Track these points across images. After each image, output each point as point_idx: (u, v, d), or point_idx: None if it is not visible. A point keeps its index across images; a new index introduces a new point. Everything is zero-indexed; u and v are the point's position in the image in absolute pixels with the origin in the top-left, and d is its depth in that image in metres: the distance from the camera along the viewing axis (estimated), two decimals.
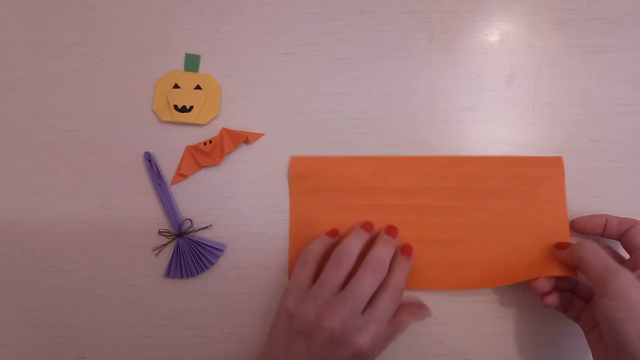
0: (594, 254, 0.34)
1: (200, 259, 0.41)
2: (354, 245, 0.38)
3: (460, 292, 0.41)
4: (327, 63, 0.43)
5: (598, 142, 0.42)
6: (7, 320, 0.43)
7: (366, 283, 0.36)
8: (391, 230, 0.40)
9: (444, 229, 0.41)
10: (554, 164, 0.41)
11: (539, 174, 0.41)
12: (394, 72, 0.43)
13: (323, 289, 0.36)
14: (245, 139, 0.42)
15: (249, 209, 0.42)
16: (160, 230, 0.42)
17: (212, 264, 0.42)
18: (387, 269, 0.37)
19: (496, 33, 0.43)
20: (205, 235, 0.42)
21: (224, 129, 0.42)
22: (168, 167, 0.43)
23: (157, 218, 0.43)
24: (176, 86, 0.43)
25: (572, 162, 0.41)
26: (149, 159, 0.42)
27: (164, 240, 0.42)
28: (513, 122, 0.42)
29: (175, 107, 0.43)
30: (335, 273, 0.36)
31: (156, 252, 0.43)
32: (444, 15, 0.43)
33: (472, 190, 0.41)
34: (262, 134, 0.43)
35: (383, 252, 0.37)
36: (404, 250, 0.40)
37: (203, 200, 0.43)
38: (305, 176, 0.42)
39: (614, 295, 0.31)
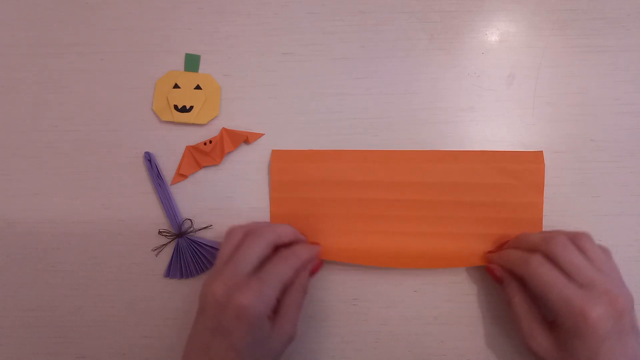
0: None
1: (200, 259, 0.41)
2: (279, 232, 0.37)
3: (460, 293, 0.41)
4: (327, 63, 0.43)
5: (598, 142, 0.42)
6: (7, 320, 0.43)
7: (251, 250, 0.35)
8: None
9: (426, 223, 0.41)
10: (535, 159, 0.41)
11: (520, 169, 0.41)
12: (394, 72, 0.43)
13: (227, 264, 0.35)
14: (245, 139, 0.42)
15: (249, 209, 0.42)
16: (160, 230, 0.42)
17: (212, 264, 0.42)
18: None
19: (496, 33, 0.43)
20: (205, 235, 0.42)
21: (224, 129, 0.42)
22: (168, 167, 0.43)
23: (157, 218, 0.43)
24: (176, 86, 0.43)
25: (572, 162, 0.41)
26: (149, 159, 0.42)
27: (164, 240, 0.42)
28: (513, 122, 0.42)
29: (175, 107, 0.43)
30: (245, 250, 0.35)
31: (156, 252, 0.43)
32: (444, 15, 0.43)
33: (454, 185, 0.41)
34: (262, 134, 0.43)
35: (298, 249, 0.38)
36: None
37: (203, 200, 0.43)
38: (286, 170, 0.42)
39: None
